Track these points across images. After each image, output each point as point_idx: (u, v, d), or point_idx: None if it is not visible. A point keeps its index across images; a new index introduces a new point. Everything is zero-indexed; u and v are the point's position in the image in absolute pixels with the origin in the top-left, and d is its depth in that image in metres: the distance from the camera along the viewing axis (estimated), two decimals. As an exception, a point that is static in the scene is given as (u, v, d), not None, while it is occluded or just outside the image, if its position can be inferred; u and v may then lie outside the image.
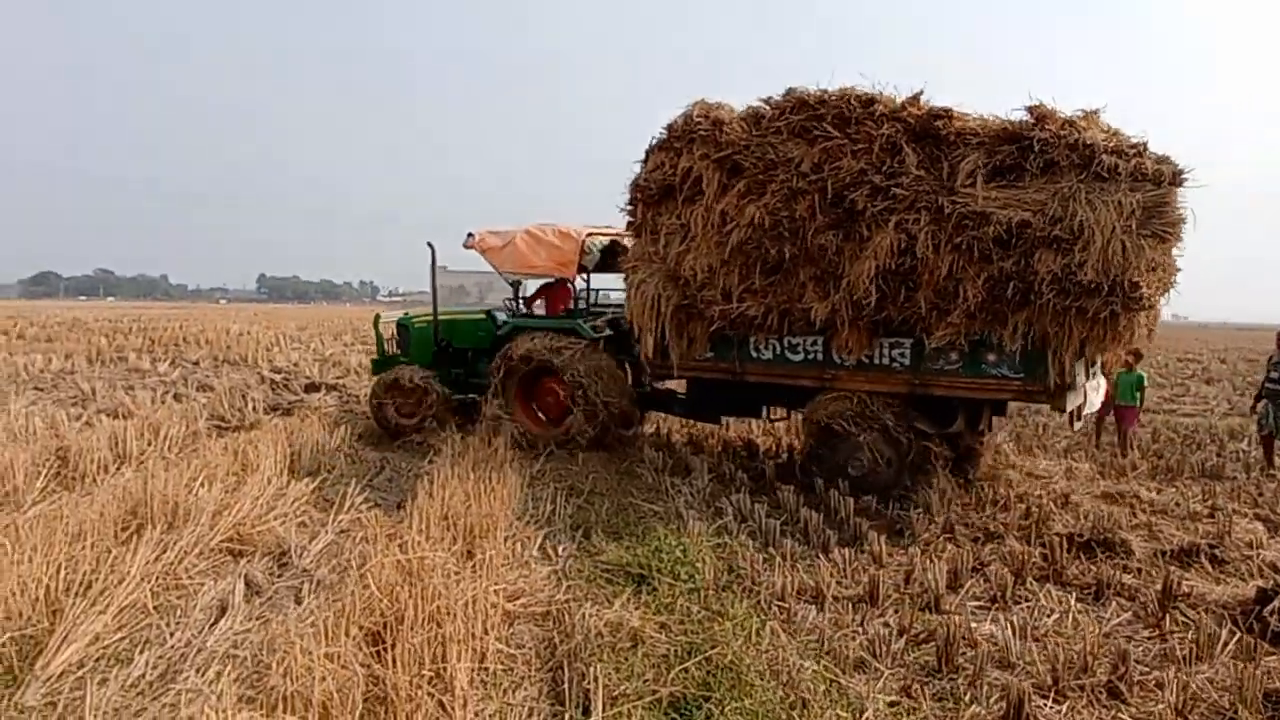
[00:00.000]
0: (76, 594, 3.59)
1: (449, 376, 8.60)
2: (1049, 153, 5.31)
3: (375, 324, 9.46)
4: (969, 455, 6.66)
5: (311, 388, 11.65)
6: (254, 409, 9.15)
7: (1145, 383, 8.10)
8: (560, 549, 4.76)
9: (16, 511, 5.08)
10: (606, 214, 7.59)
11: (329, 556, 4.50)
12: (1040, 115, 5.48)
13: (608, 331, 8.05)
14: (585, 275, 8.78)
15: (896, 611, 4.04)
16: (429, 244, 8.38)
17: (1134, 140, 5.41)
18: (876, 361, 6.11)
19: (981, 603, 4.24)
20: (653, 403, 8.49)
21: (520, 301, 8.65)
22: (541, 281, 8.58)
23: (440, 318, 8.73)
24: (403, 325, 9.10)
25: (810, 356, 6.39)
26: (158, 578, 3.83)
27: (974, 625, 3.87)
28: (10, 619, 3.44)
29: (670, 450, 7.50)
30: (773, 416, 7.64)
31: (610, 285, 9.24)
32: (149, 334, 20.98)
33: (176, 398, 10.19)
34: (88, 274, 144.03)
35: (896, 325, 5.86)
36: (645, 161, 7.00)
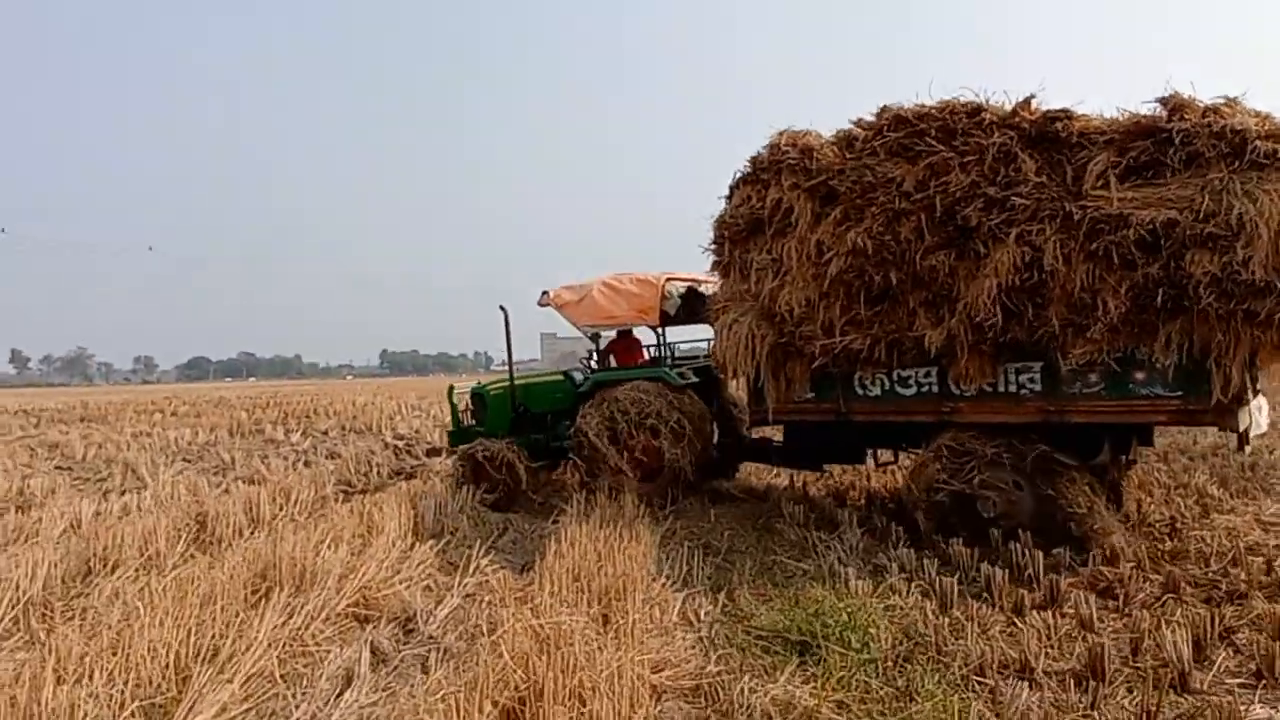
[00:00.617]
0: (204, 660, 3.40)
1: (528, 442, 8.28)
2: (1192, 144, 4.65)
3: (449, 395, 9.09)
4: (1113, 490, 5.74)
5: (433, 452, 11.74)
6: (378, 473, 9.20)
7: None
8: (703, 613, 4.25)
9: (158, 574, 5.11)
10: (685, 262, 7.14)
11: (456, 622, 4.17)
12: (1176, 105, 4.83)
13: (694, 379, 7.62)
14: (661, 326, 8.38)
15: (1132, 690, 3.25)
16: (501, 308, 8.26)
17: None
18: (1002, 389, 5.38)
19: (1241, 679, 3.37)
20: (749, 452, 7.90)
21: (596, 355, 8.31)
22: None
23: (516, 383, 8.47)
24: (477, 394, 8.81)
25: (924, 389, 5.72)
26: (284, 644, 3.61)
27: (1242, 708, 3.04)
28: (140, 686, 3.29)
29: (810, 503, 6.83)
30: (880, 460, 6.91)
31: (680, 338, 8.78)
32: (284, 407, 22.26)
33: (306, 464, 10.45)
34: (233, 357, 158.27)
35: (1024, 347, 5.17)
36: (730, 197, 6.65)
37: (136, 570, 4.98)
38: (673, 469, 7.10)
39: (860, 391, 5.99)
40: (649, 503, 6.93)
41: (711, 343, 6.87)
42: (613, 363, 8.53)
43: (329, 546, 5.04)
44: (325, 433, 15.94)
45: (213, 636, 3.59)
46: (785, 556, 5.31)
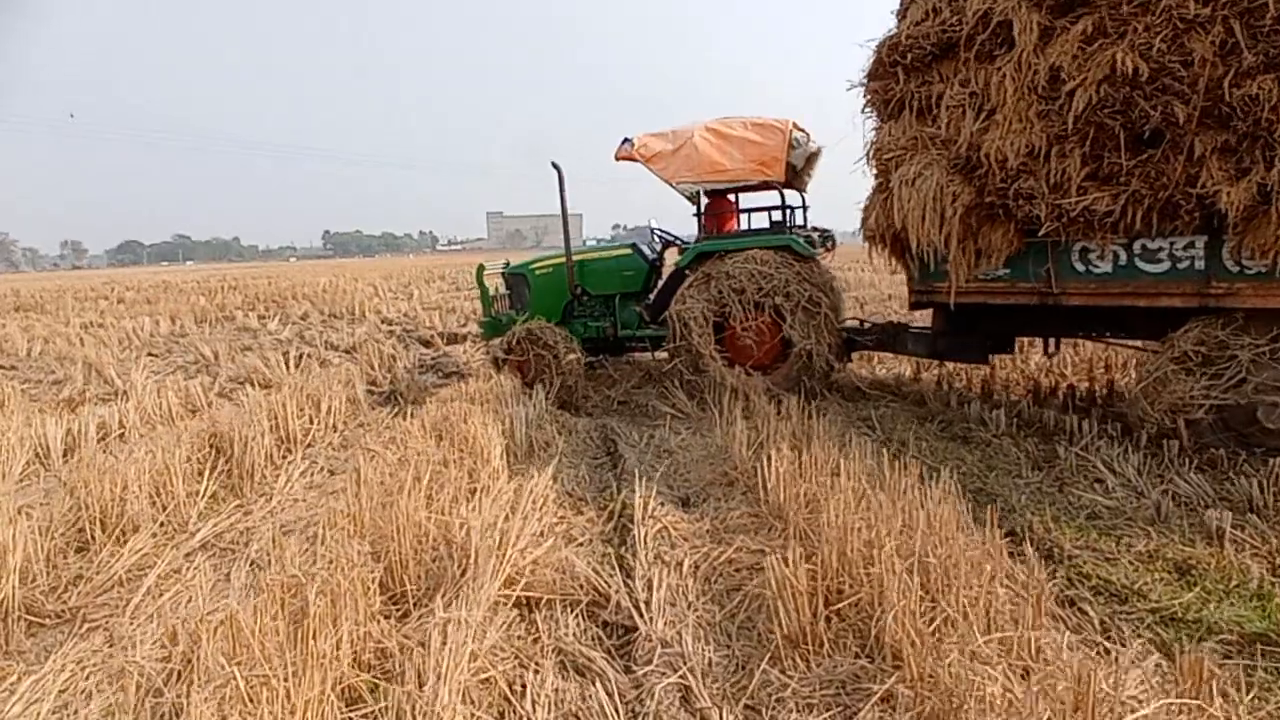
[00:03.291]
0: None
1: (587, 332, 6.96)
2: None
3: (479, 278, 7.53)
4: None
5: (453, 339, 10.18)
6: (406, 370, 7.67)
7: None
8: (1052, 588, 2.94)
9: (183, 536, 3.65)
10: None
11: (679, 598, 2.86)
12: None
13: (821, 250, 6.20)
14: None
15: None
16: (554, 165, 6.55)
17: None
18: None
19: None
20: (872, 340, 6.63)
21: (702, 219, 6.69)
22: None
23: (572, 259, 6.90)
24: (518, 275, 7.27)
25: (1182, 265, 4.36)
26: (469, 686, 2.22)
27: None
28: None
29: (1007, 405, 5.49)
30: (1049, 350, 5.72)
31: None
32: (245, 292, 20.09)
33: (309, 359, 8.82)
34: (167, 240, 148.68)
35: None
36: (903, 14, 5.04)
37: (155, 537, 3.49)
38: (803, 356, 5.78)
39: (1081, 268, 4.63)
40: (778, 399, 5.66)
41: (866, 205, 5.39)
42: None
43: (427, 491, 3.61)
44: (304, 318, 14.20)
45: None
46: (1048, 484, 4.07)
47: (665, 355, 7.57)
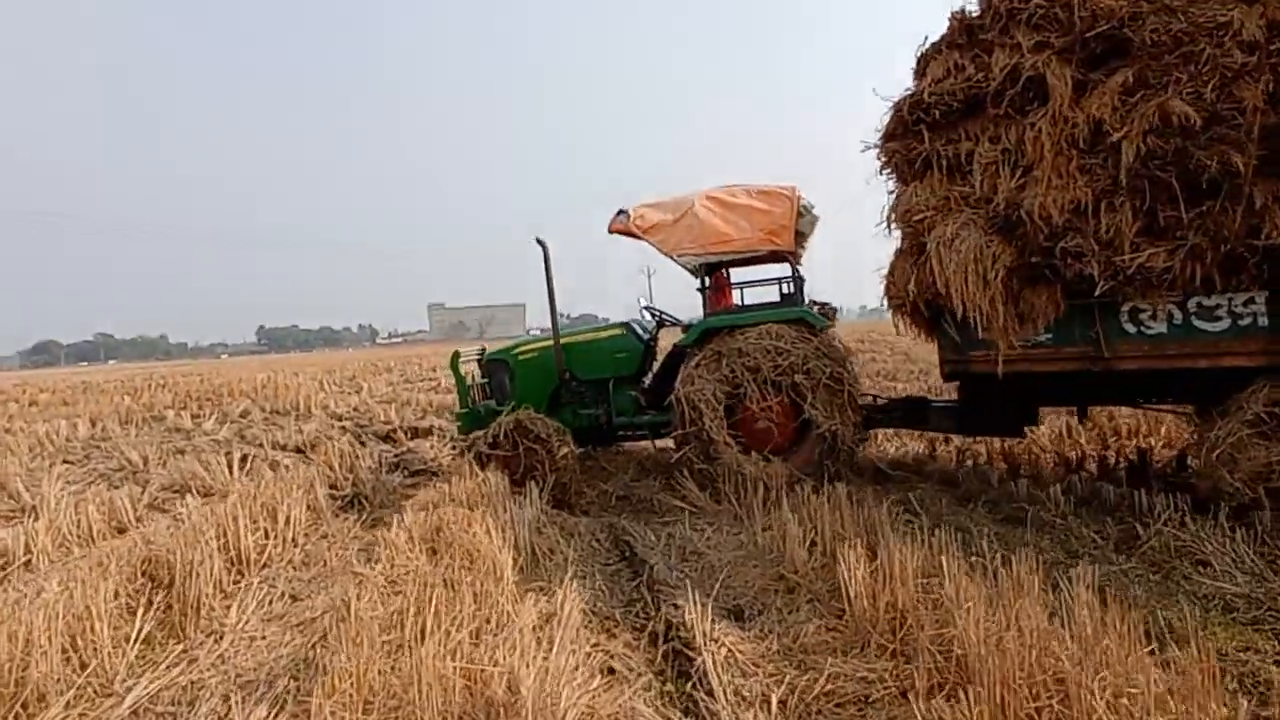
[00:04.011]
0: None
1: (577, 421, 6.32)
2: None
3: (454, 366, 6.86)
4: None
5: (416, 433, 9.33)
6: (370, 470, 6.84)
7: None
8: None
9: (109, 702, 2.78)
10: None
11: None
12: None
13: (829, 324, 5.81)
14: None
15: None
16: (539, 240, 6.09)
17: None
18: None
19: None
20: (892, 416, 6.17)
21: (705, 291, 6.23)
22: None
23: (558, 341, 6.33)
24: (498, 361, 6.66)
25: (1245, 322, 4.09)
26: None
27: None
28: None
29: (1058, 479, 5.06)
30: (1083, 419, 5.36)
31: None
32: (176, 390, 18.69)
33: (250, 460, 7.85)
34: (88, 339, 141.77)
35: None
36: (921, 71, 4.89)
37: (71, 708, 2.62)
38: (826, 437, 5.26)
39: (1132, 329, 4.30)
40: (796, 486, 5.09)
41: (885, 272, 5.04)
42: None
43: (445, 619, 2.85)
44: (244, 415, 13.07)
45: None
46: (1143, 569, 3.54)
47: (666, 444, 6.99)
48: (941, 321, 4.84)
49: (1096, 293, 4.09)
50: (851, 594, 3.11)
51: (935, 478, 5.63)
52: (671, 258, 5.73)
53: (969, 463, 5.98)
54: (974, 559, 3.34)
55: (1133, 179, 3.96)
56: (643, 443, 7.19)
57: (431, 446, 8.59)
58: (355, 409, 13.36)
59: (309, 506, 5.35)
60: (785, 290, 5.77)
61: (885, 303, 5.14)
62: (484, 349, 7.29)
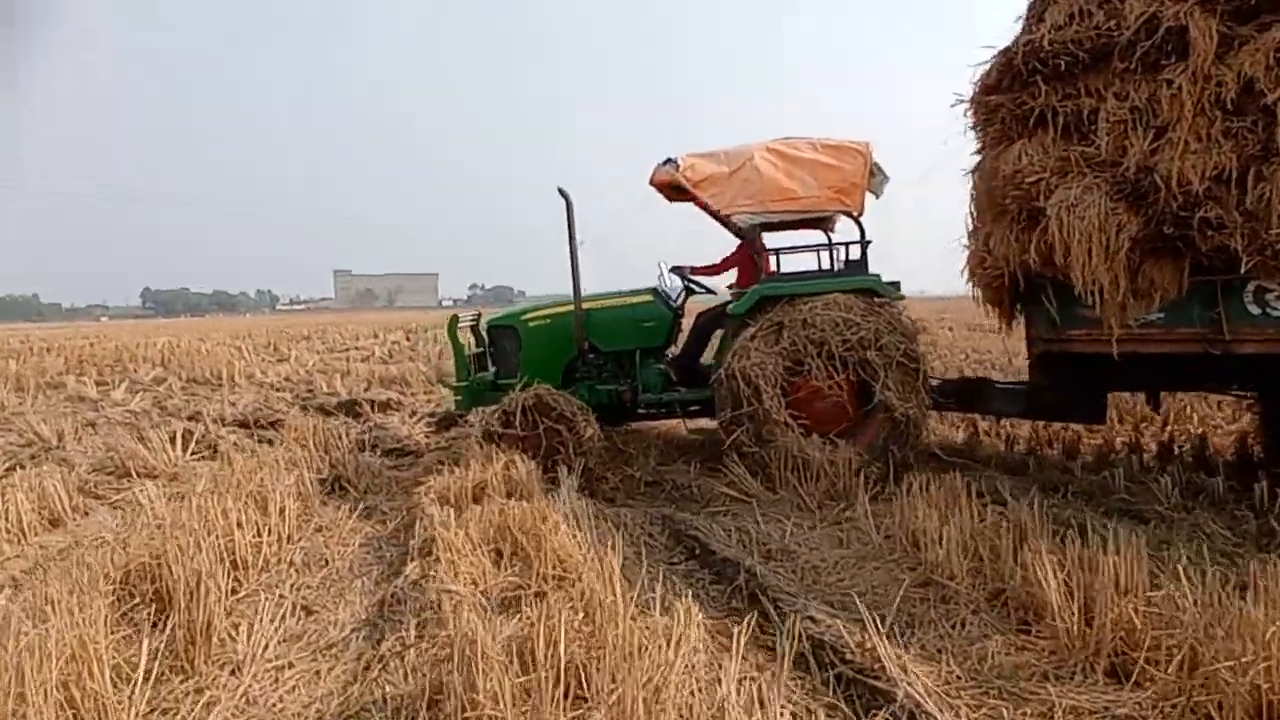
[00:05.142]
0: None
1: (596, 397, 5.62)
2: None
3: (451, 331, 6.02)
4: None
5: (375, 407, 8.33)
6: (354, 453, 5.93)
7: None
8: None
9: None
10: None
11: None
12: None
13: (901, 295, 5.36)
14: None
15: None
16: (560, 190, 5.36)
17: None
18: None
19: None
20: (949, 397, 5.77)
21: (761, 257, 5.55)
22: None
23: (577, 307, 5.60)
24: (503, 328, 5.89)
25: None
26: None
27: None
28: None
29: (1140, 468, 4.75)
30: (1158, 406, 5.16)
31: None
32: (62, 354, 16.58)
33: (192, 438, 6.73)
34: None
35: None
36: (1039, 16, 4.43)
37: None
38: (891, 420, 4.78)
39: (1256, 310, 3.98)
40: (865, 471, 4.62)
41: (975, 241, 4.58)
42: (714, 283, 6.01)
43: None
44: (159, 383, 11.62)
45: None
46: None
47: (696, 424, 6.37)
48: (1042, 297, 4.42)
49: (1242, 270, 3.73)
50: (1055, 605, 2.61)
51: (994, 464, 5.27)
52: (720, 215, 5.08)
53: (1017, 448, 5.67)
54: (1167, 564, 2.91)
55: (1296, 142, 3.61)
56: (656, 422, 6.57)
57: (403, 422, 7.67)
58: (288, 379, 12.11)
59: (298, 494, 4.47)
60: (849, 257, 5.23)
61: (968, 276, 4.69)
62: (479, 313, 6.47)
